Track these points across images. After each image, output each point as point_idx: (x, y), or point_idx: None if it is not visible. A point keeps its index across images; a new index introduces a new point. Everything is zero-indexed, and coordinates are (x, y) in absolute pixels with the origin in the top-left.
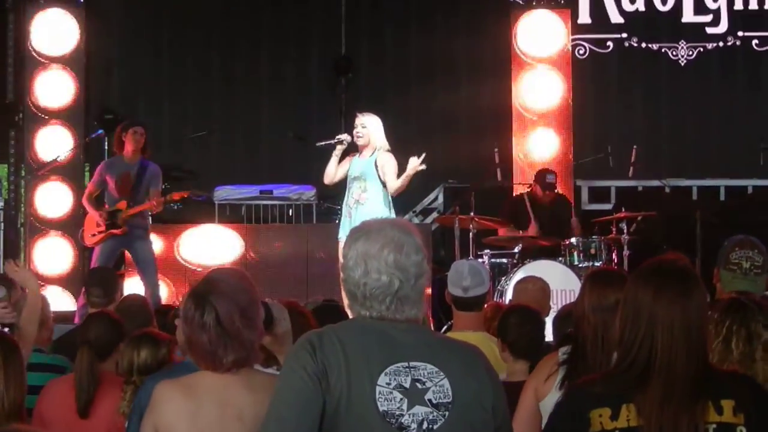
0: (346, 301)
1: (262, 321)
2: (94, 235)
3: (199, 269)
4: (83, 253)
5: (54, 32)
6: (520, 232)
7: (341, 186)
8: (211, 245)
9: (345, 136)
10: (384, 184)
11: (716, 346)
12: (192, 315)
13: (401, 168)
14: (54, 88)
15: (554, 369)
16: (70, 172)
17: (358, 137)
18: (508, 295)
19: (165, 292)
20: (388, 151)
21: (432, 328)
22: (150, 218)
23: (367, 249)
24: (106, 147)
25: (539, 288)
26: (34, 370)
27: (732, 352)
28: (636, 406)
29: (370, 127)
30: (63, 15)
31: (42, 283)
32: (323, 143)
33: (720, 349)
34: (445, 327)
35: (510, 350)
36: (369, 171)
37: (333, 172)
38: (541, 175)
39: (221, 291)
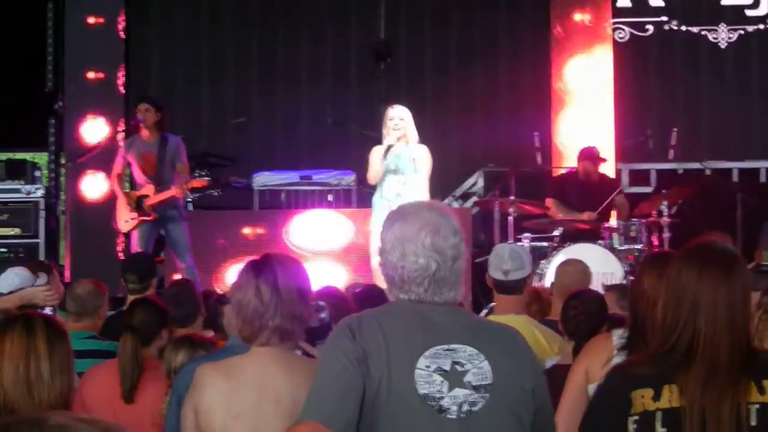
0: (384, 285)
1: (312, 308)
2: (127, 221)
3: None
4: None
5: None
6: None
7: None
8: (322, 230)
9: (393, 141)
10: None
11: None
12: (248, 279)
13: (436, 160)
14: (95, 78)
15: (612, 354)
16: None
17: (396, 130)
18: (549, 279)
19: (200, 277)
20: (420, 143)
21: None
22: (182, 199)
23: (404, 232)
24: None
25: (580, 270)
26: (92, 357)
27: None
28: (678, 387)
29: (407, 119)
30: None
31: None
32: (385, 148)
33: None
34: (485, 310)
35: (565, 331)
36: (406, 164)
37: (379, 172)
38: (587, 151)
39: (282, 263)
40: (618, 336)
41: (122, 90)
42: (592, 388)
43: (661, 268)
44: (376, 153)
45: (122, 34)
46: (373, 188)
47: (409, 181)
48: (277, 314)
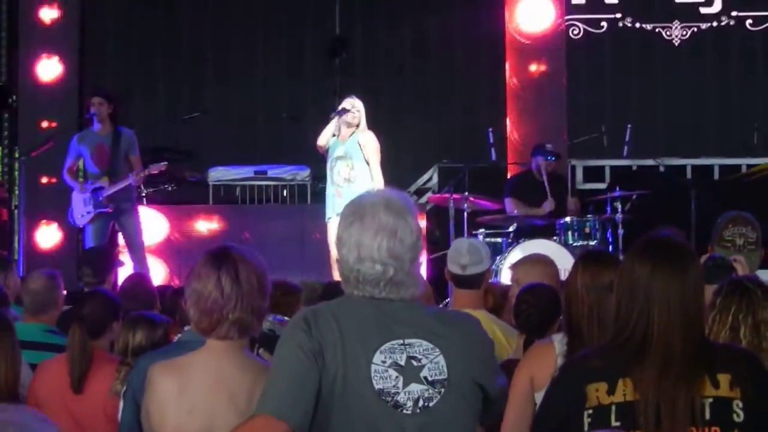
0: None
1: (269, 299)
2: (83, 215)
3: None
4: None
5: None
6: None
7: None
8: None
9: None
10: (368, 163)
11: (724, 335)
12: (208, 271)
13: (390, 156)
14: (50, 70)
15: (557, 361)
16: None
17: (353, 118)
18: (504, 275)
19: (161, 273)
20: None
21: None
22: (135, 191)
23: (360, 237)
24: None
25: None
26: (51, 350)
27: (740, 342)
28: (633, 380)
29: (362, 111)
30: None
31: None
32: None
33: (728, 338)
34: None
35: (517, 325)
36: (354, 151)
37: (329, 135)
38: (541, 146)
39: (241, 253)
40: (558, 341)
41: (77, 83)
42: (539, 396)
43: (593, 270)
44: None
45: (77, 28)
46: (325, 182)
47: (356, 166)
48: (237, 307)
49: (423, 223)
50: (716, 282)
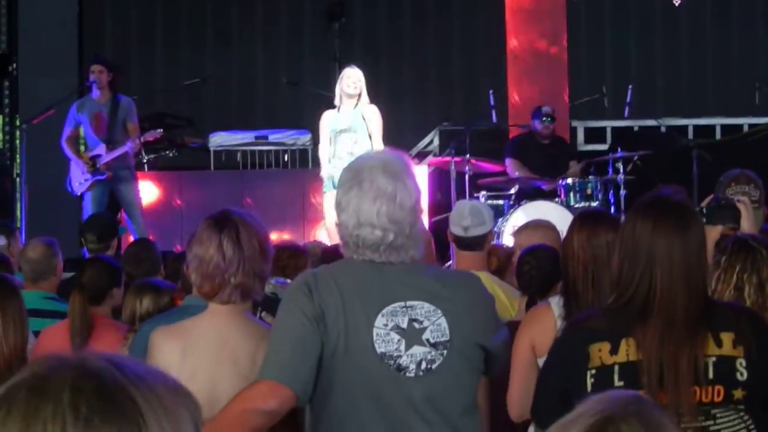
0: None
1: (270, 262)
2: (81, 183)
3: None
4: None
5: None
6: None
7: None
8: None
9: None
10: (370, 137)
11: (728, 295)
12: (210, 235)
13: (391, 119)
14: (47, 37)
15: (556, 324)
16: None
17: (354, 89)
18: (506, 237)
19: (164, 239)
20: (372, 103)
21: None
22: (133, 158)
23: (360, 203)
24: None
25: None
26: (50, 317)
27: (745, 302)
28: (636, 340)
29: (362, 81)
30: None
31: None
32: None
33: (733, 298)
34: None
35: (519, 286)
36: (358, 123)
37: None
38: (538, 109)
39: (242, 217)
40: (556, 303)
41: (76, 51)
42: (543, 362)
43: (590, 229)
44: (325, 120)
45: None
46: None
47: (360, 140)
48: (239, 271)
49: (425, 180)
50: (720, 223)
